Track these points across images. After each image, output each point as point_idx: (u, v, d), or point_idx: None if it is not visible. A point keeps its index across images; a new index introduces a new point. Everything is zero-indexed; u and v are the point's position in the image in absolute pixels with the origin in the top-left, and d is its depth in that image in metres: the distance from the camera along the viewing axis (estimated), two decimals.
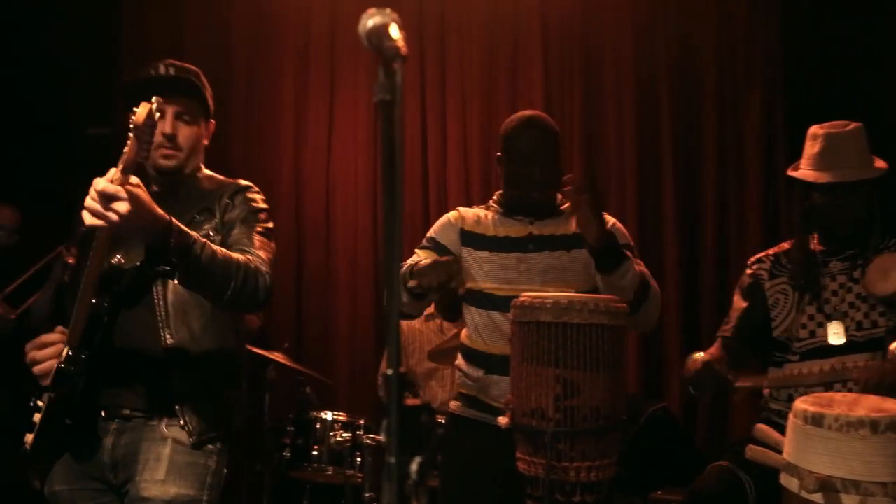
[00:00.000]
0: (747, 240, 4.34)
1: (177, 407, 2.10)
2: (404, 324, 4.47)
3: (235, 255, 2.04)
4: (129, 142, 1.81)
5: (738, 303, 2.79)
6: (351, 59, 4.94)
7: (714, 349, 2.75)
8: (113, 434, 2.12)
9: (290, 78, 5.00)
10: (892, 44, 4.00)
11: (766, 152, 4.42)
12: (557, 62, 4.76)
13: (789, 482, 1.85)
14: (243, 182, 2.34)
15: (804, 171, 2.67)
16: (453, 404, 2.66)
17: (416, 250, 2.62)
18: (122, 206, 1.72)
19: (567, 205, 2.60)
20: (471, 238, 2.61)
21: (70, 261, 3.94)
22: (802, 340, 2.62)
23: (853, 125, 2.65)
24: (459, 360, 2.65)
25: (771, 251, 2.83)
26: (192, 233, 1.95)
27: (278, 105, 4.99)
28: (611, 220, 2.59)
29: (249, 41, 5.01)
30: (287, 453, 3.93)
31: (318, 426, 3.97)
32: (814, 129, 2.69)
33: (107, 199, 1.73)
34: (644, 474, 3.53)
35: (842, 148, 2.61)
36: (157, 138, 2.16)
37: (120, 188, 1.73)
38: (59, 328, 2.12)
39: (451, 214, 2.69)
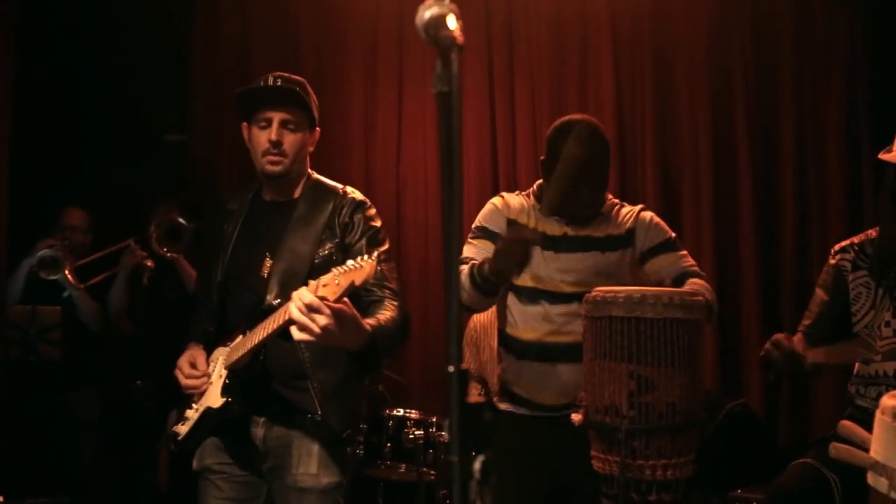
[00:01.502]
0: (829, 233, 4.18)
1: (319, 408, 2.27)
2: (475, 319, 4.46)
3: (394, 315, 2.21)
4: (349, 278, 1.89)
5: (820, 294, 2.67)
6: (419, 59, 4.94)
7: (796, 340, 2.63)
8: (263, 427, 2.31)
9: (359, 80, 5.02)
10: None
11: (848, 145, 4.24)
12: (628, 57, 4.67)
13: (877, 482, 1.77)
14: (357, 196, 2.43)
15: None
16: (496, 398, 2.66)
17: (470, 240, 2.60)
18: (322, 320, 1.89)
19: (605, 206, 2.56)
20: None
21: (150, 263, 4.07)
22: (885, 339, 2.49)
23: None
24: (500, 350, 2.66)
25: (856, 239, 2.66)
26: (384, 321, 2.14)
27: (347, 107, 5.01)
28: (648, 215, 2.54)
29: (318, 47, 5.05)
30: (360, 451, 3.96)
31: (390, 424, 3.99)
32: None
33: (311, 310, 1.89)
34: (723, 472, 3.45)
35: None
36: (264, 145, 2.32)
37: (321, 303, 1.89)
38: (199, 357, 2.32)
39: (496, 201, 2.67)
